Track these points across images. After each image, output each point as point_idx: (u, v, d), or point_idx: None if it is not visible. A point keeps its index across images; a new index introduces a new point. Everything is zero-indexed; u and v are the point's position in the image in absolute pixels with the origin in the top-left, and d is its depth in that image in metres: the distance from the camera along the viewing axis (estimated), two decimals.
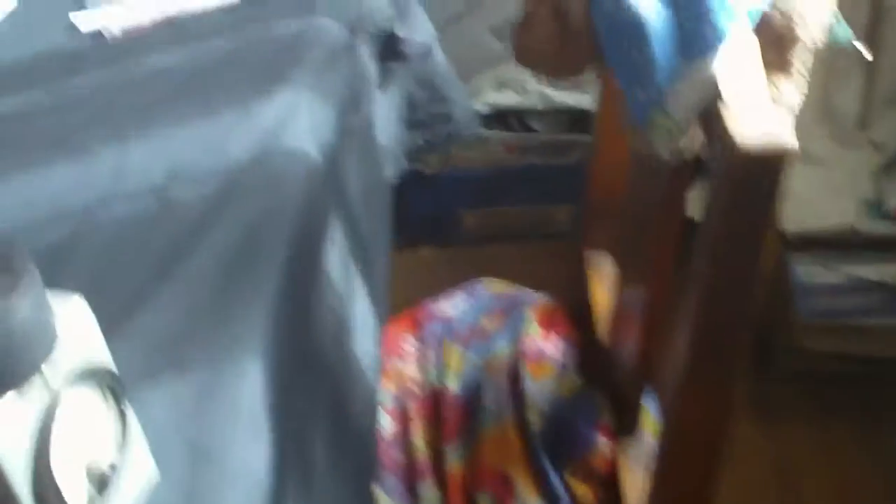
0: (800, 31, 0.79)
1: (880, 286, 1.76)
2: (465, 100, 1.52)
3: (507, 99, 2.10)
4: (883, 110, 1.83)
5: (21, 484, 0.62)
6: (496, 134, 2.11)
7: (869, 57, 0.89)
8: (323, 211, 1.03)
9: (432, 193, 2.14)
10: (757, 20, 0.79)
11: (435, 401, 1.25)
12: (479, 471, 1.19)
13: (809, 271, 1.78)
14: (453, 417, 1.23)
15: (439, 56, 1.43)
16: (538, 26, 0.81)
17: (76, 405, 0.65)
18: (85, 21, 1.26)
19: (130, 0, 1.28)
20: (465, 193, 2.19)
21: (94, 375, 0.67)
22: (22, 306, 0.59)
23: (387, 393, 1.25)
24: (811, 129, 1.81)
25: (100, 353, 0.68)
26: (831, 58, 1.83)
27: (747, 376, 1.85)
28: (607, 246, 1.27)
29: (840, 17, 0.83)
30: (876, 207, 1.80)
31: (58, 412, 0.63)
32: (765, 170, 0.71)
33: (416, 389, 1.26)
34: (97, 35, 1.25)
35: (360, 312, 1.07)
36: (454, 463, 1.20)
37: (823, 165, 1.82)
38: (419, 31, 1.40)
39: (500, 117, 2.09)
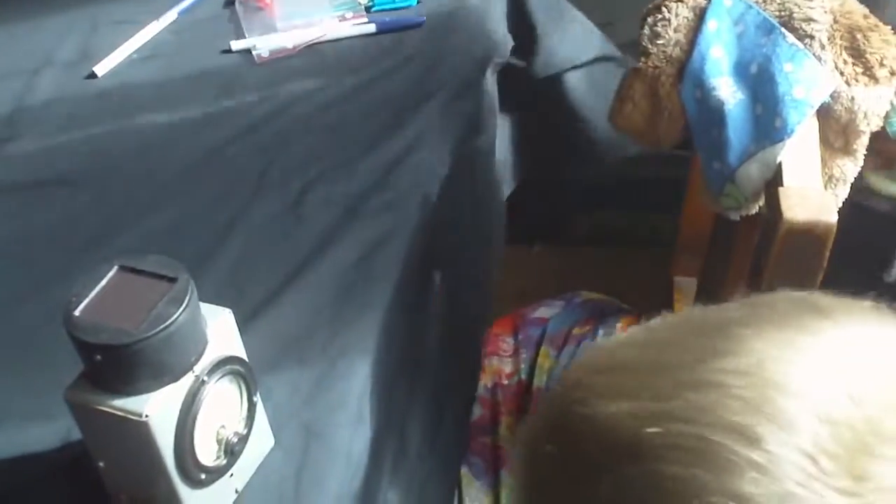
0: (863, 126, 0.88)
1: None
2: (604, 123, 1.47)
3: None
4: None
5: (166, 446, 0.76)
6: None
7: None
8: (436, 232, 1.10)
9: (549, 195, 2.14)
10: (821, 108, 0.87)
11: (524, 396, 1.33)
12: None
13: None
14: None
15: (578, 78, 1.38)
16: (633, 100, 0.92)
17: (215, 387, 0.78)
18: (237, 41, 1.33)
19: (282, 32, 1.34)
20: (578, 196, 2.22)
21: (231, 366, 0.80)
22: (183, 316, 0.73)
23: (482, 385, 1.33)
24: None
25: (237, 350, 0.82)
26: None
27: None
28: (693, 273, 1.36)
29: None
30: None
31: (200, 394, 0.77)
32: (809, 242, 0.80)
33: (508, 384, 1.35)
34: (246, 54, 1.32)
35: (465, 318, 1.16)
36: None
37: None
38: (574, 45, 1.38)
39: None
